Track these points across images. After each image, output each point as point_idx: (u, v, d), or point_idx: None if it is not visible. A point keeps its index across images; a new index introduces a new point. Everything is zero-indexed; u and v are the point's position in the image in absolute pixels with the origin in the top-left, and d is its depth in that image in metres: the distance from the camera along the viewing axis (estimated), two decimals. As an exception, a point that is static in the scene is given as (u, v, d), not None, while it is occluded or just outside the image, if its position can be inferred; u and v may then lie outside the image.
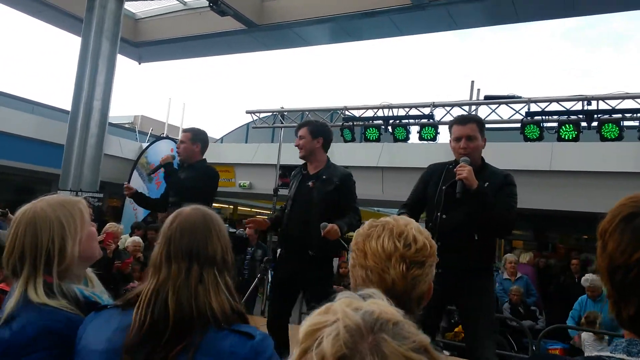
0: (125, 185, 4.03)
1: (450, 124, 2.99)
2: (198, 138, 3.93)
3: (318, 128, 3.41)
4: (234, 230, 1.72)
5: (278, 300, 3.39)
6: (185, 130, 4.07)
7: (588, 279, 5.94)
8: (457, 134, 2.84)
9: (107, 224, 5.44)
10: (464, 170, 2.63)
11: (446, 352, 5.76)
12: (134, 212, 11.06)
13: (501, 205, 2.68)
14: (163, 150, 10.47)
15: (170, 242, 1.16)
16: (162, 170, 3.92)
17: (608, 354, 0.77)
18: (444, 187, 2.81)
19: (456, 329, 6.29)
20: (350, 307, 0.59)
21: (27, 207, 1.40)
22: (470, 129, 2.82)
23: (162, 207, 4.12)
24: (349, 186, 3.29)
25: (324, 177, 3.27)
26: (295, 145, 3.39)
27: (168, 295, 1.09)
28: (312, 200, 3.24)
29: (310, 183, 3.30)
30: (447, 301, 2.96)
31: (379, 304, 0.60)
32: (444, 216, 2.78)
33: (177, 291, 1.09)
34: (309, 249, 3.18)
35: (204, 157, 3.98)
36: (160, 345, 1.05)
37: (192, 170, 3.83)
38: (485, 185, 2.71)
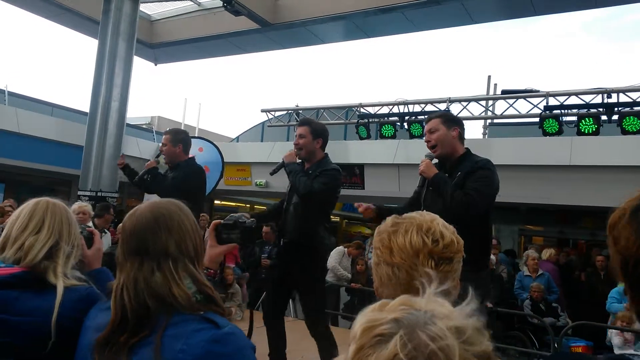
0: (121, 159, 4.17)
1: None
2: (178, 139, 4.00)
3: (318, 129, 3.44)
4: (244, 220, 1.75)
5: (272, 294, 3.52)
6: (165, 133, 4.12)
7: None
8: (425, 130, 3.06)
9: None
10: (422, 164, 2.89)
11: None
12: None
13: (465, 190, 2.71)
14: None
15: (123, 242, 1.26)
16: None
17: (632, 351, 0.75)
18: (424, 186, 3.01)
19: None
20: (406, 306, 0.57)
21: (50, 201, 1.51)
22: (432, 122, 2.97)
23: (145, 188, 4.28)
24: (326, 174, 3.35)
25: (310, 172, 3.37)
26: (295, 144, 3.41)
27: (124, 291, 1.17)
28: (296, 195, 3.39)
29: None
30: None
31: (441, 304, 0.58)
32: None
33: (132, 286, 1.17)
34: (283, 237, 3.38)
35: (190, 156, 4.07)
36: (123, 337, 1.12)
37: (177, 170, 3.92)
38: (458, 174, 2.79)
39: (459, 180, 2.75)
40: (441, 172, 2.85)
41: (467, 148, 2.96)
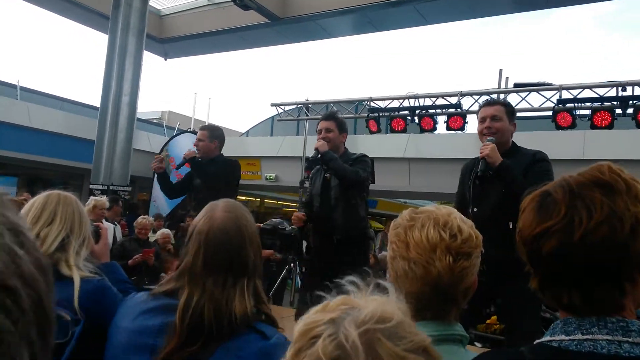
0: (157, 157, 4.08)
1: (478, 109, 2.96)
2: (215, 135, 3.99)
3: (344, 124, 3.47)
4: (284, 227, 1.75)
5: (311, 293, 3.44)
6: (202, 128, 4.12)
7: None
8: (482, 114, 2.80)
9: (139, 217, 5.59)
10: (486, 148, 2.59)
11: (478, 344, 5.68)
12: (156, 204, 11.28)
13: (531, 182, 2.55)
14: (184, 144, 10.64)
15: (207, 253, 1.17)
16: (187, 164, 3.99)
17: (548, 338, 0.77)
18: (470, 182, 2.76)
19: (488, 321, 6.20)
20: (346, 305, 0.57)
21: (62, 193, 1.53)
22: (495, 109, 2.77)
23: (176, 194, 4.33)
24: (362, 160, 3.35)
25: None
26: (322, 138, 3.36)
27: (204, 305, 1.12)
28: (331, 189, 3.33)
29: (327, 175, 3.37)
30: (491, 296, 2.90)
31: (378, 301, 0.57)
32: (475, 209, 2.69)
33: (213, 302, 1.12)
34: (334, 234, 3.26)
35: (221, 152, 4.07)
36: (194, 349, 1.09)
37: (214, 165, 3.88)
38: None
39: (514, 167, 2.61)
40: (506, 159, 2.59)
41: (513, 141, 2.82)
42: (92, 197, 5.08)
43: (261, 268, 1.25)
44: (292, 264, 4.36)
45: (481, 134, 2.78)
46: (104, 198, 5.18)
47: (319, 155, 3.25)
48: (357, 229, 3.32)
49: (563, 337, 0.76)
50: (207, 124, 4.43)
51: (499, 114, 2.74)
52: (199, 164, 3.88)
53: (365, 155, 3.42)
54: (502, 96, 7.62)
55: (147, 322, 1.17)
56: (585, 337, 0.74)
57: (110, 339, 1.22)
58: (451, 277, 0.95)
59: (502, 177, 2.57)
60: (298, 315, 3.28)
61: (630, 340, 0.71)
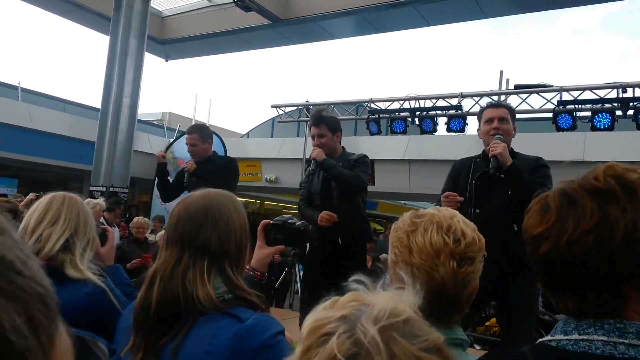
0: (158, 154, 4.00)
1: (481, 110, 2.92)
2: (206, 135, 3.86)
3: (334, 123, 3.37)
4: (293, 221, 1.70)
5: (310, 298, 3.39)
6: (190, 132, 3.90)
7: None
8: (489, 115, 2.76)
9: (135, 218, 5.57)
10: (499, 146, 2.54)
11: (477, 347, 5.68)
12: (163, 205, 11.24)
13: (537, 186, 2.49)
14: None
15: (169, 227, 1.19)
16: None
17: (549, 337, 0.79)
18: (474, 181, 2.70)
19: (487, 323, 6.19)
20: (357, 302, 0.55)
21: (67, 194, 1.53)
22: (503, 111, 2.77)
23: (172, 197, 4.07)
24: (362, 162, 3.30)
25: (340, 164, 3.25)
26: (317, 145, 3.28)
27: (156, 281, 1.11)
28: (332, 188, 3.26)
29: (327, 174, 3.28)
30: (489, 297, 2.87)
31: (391, 299, 0.56)
32: (477, 210, 2.64)
33: (164, 278, 1.11)
34: (339, 235, 3.19)
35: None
36: (149, 329, 1.08)
37: (211, 164, 3.76)
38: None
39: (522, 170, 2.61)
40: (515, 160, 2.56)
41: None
42: (89, 199, 5.06)
43: (243, 254, 1.21)
44: (292, 267, 4.31)
45: (487, 134, 2.74)
46: (96, 200, 5.17)
47: (318, 166, 3.21)
48: (361, 229, 3.30)
49: (561, 336, 0.77)
50: (192, 125, 4.27)
51: (506, 116, 2.74)
52: (203, 174, 3.70)
53: (365, 156, 3.35)
54: (502, 98, 7.61)
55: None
56: (581, 337, 0.75)
57: (115, 343, 1.21)
58: (455, 282, 0.94)
59: (512, 178, 2.54)
60: (302, 317, 3.24)
61: (626, 341, 0.71)
